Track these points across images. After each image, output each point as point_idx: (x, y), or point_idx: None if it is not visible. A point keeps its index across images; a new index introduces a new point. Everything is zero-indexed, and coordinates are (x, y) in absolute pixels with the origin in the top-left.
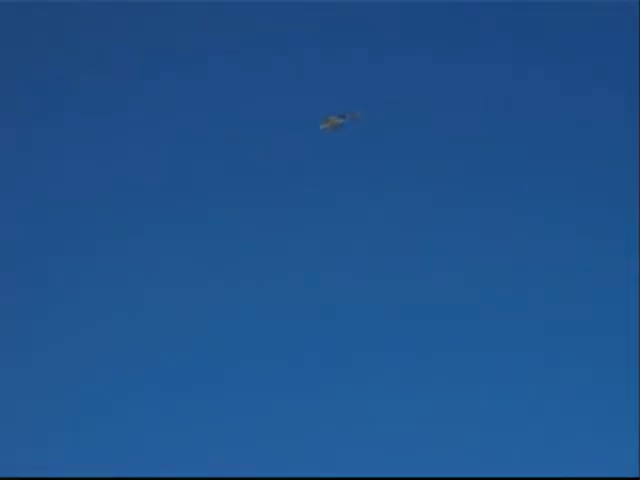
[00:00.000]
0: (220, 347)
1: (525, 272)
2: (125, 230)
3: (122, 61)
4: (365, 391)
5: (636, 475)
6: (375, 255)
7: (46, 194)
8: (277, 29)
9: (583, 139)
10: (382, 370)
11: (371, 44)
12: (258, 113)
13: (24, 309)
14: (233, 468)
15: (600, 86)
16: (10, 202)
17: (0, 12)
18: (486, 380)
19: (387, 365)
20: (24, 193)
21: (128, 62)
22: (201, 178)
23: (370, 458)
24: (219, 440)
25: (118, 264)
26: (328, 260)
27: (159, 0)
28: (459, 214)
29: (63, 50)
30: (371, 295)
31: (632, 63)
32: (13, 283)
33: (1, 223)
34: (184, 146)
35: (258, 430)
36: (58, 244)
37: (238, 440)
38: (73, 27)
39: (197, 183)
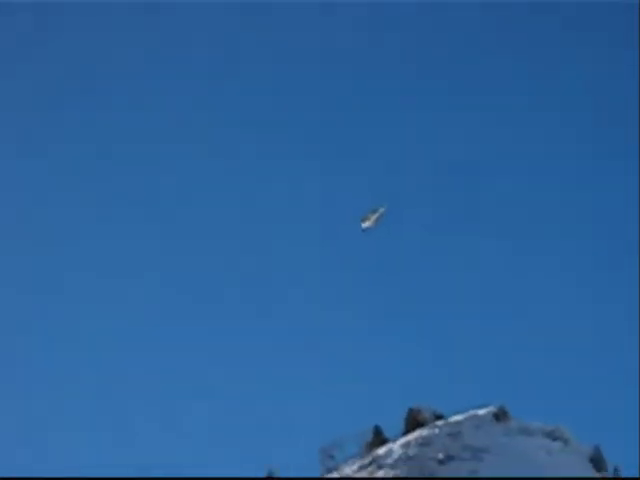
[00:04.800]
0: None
1: (524, 277)
2: None
3: None
4: None
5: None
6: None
7: None
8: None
9: (582, 140)
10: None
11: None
12: None
13: None
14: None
15: (600, 85)
16: None
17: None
18: (486, 380)
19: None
20: None
21: None
22: None
23: None
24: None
25: None
26: None
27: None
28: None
29: None
30: None
31: (632, 63)
32: None
33: None
34: None
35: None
36: None
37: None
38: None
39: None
